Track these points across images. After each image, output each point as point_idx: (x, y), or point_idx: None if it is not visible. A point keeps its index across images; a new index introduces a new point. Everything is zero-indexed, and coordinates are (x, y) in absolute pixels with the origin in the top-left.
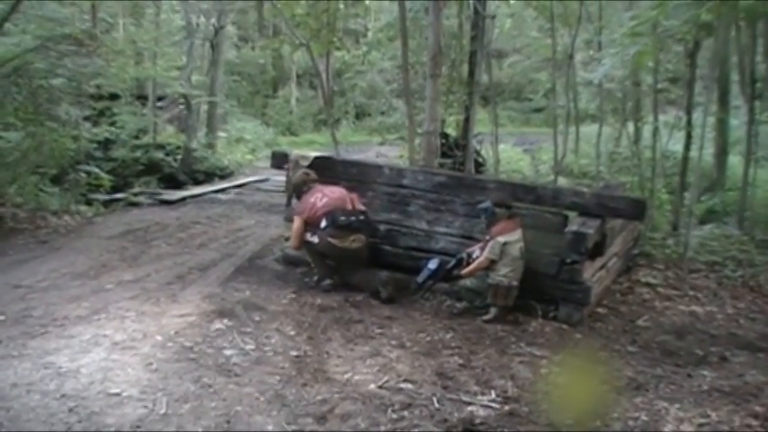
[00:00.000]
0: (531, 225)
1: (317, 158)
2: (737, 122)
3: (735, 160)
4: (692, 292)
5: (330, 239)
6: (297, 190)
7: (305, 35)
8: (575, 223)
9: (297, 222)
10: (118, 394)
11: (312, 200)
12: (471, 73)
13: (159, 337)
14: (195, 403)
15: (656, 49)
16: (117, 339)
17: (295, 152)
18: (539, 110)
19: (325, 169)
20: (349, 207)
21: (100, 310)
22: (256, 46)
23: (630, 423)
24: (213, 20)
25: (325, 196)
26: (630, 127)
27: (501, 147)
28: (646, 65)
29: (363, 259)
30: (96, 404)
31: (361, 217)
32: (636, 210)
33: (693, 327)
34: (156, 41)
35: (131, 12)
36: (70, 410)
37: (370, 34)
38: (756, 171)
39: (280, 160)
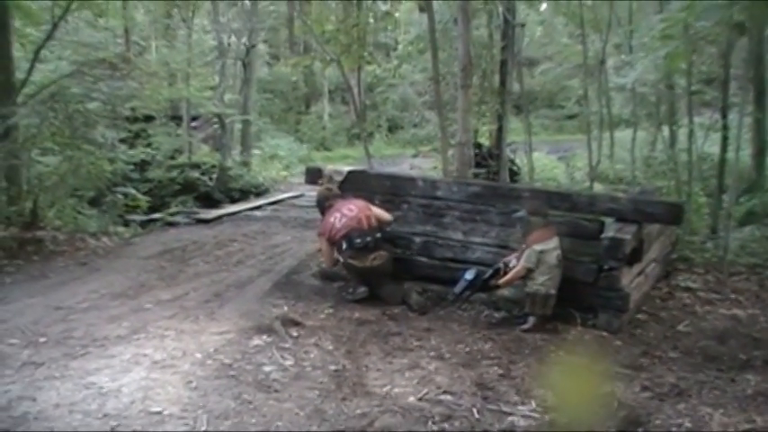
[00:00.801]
0: (568, 232)
1: (350, 173)
2: None
3: None
4: (733, 296)
5: (350, 261)
6: (320, 206)
7: (335, 51)
8: (611, 229)
9: (324, 244)
10: (159, 413)
11: (332, 220)
12: (503, 82)
13: (199, 355)
14: (236, 420)
15: (688, 51)
16: (157, 358)
17: (329, 167)
18: (572, 117)
19: (360, 183)
20: (365, 226)
21: (139, 329)
22: (288, 63)
23: (674, 430)
24: (244, 39)
25: (343, 216)
26: (665, 130)
27: (535, 155)
28: (678, 67)
29: (388, 273)
30: (138, 423)
31: (378, 235)
32: (673, 214)
33: (736, 331)
34: (189, 62)
35: (163, 34)
36: (112, 430)
37: (400, 47)
38: None
39: (313, 175)
